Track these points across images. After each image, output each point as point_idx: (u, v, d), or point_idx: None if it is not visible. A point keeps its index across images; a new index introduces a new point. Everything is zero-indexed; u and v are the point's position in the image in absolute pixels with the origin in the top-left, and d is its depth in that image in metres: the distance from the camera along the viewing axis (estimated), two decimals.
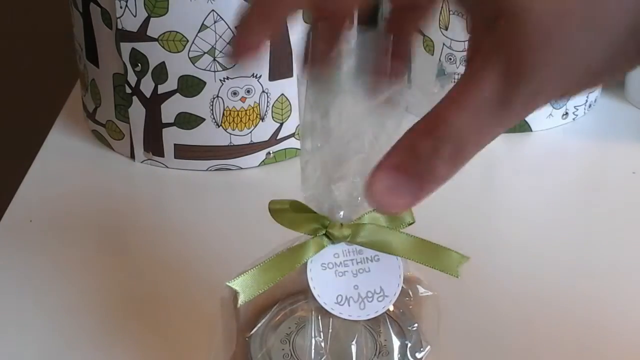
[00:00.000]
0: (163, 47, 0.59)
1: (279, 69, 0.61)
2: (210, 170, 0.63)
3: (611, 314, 0.49)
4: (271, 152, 0.64)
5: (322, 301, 0.36)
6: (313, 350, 0.36)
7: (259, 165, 0.64)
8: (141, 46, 0.59)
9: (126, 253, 0.54)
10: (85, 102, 0.68)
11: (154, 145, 0.63)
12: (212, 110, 0.61)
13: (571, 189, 0.63)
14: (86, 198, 0.61)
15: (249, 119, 0.62)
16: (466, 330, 0.47)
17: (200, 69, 0.59)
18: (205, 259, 0.54)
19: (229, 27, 0.58)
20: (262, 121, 0.62)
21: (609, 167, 0.66)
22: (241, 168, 0.64)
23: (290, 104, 0.63)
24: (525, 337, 0.48)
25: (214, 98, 0.60)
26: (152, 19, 0.58)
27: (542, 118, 0.69)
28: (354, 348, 0.36)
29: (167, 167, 0.64)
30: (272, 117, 0.63)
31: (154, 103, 0.61)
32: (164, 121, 0.62)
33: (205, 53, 0.59)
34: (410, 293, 0.38)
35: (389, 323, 0.37)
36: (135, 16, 0.58)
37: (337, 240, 0.36)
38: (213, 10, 0.57)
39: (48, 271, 0.52)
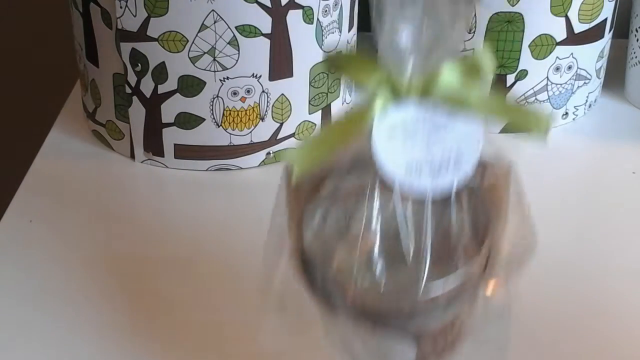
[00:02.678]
0: (163, 47, 0.59)
1: (279, 69, 0.61)
2: (210, 170, 0.63)
3: (610, 314, 0.49)
4: (271, 152, 0.64)
5: (389, 172, 0.31)
6: (377, 225, 0.32)
7: (259, 165, 0.64)
8: (141, 46, 0.59)
9: (126, 253, 0.54)
10: (85, 102, 0.68)
11: (154, 145, 0.63)
12: (212, 110, 0.61)
13: (571, 189, 0.63)
14: (86, 198, 0.61)
15: (249, 119, 0.62)
16: None
17: (200, 69, 0.59)
18: (205, 259, 0.54)
19: (229, 27, 0.58)
20: (262, 121, 0.62)
21: (609, 167, 0.66)
22: (241, 168, 0.64)
23: (290, 104, 0.63)
24: (518, 338, 0.48)
25: (214, 98, 0.60)
26: (152, 19, 0.58)
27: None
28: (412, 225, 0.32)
29: (167, 167, 0.64)
30: (272, 117, 0.63)
31: (154, 103, 0.61)
32: (164, 121, 0.62)
33: (205, 53, 0.59)
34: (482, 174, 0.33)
35: (452, 205, 0.32)
36: (135, 16, 0.58)
37: (405, 96, 0.31)
38: (213, 10, 0.57)
39: (48, 271, 0.52)
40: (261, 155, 0.64)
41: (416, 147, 0.31)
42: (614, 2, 0.69)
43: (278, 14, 0.59)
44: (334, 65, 0.32)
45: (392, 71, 0.31)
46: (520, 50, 0.66)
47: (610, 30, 0.70)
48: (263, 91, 0.61)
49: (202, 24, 0.58)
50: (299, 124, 0.64)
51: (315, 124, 0.66)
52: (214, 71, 0.60)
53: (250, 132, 0.62)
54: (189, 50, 0.59)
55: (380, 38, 0.31)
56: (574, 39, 0.67)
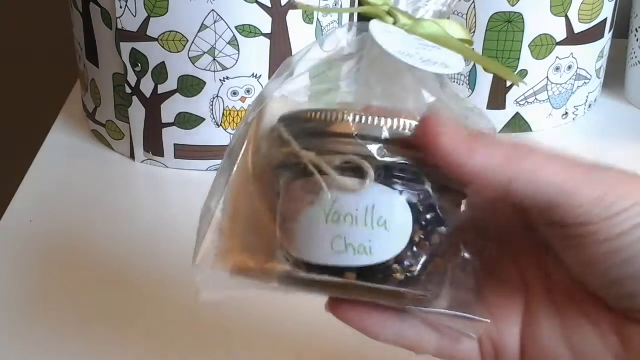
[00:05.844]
0: (163, 47, 0.59)
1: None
2: (210, 170, 0.63)
3: None
4: None
5: (385, 46, 0.32)
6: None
7: None
8: (141, 46, 0.59)
9: (126, 253, 0.54)
10: (85, 102, 0.68)
11: (154, 145, 0.63)
12: (212, 110, 0.61)
13: None
14: (86, 198, 0.61)
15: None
16: None
17: (200, 69, 0.59)
18: None
19: (229, 27, 0.58)
20: None
21: None
22: None
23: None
24: None
25: (214, 98, 0.60)
26: (152, 19, 0.58)
27: (542, 118, 0.69)
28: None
29: (167, 167, 0.64)
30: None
31: (154, 103, 0.61)
32: (164, 121, 0.62)
33: (205, 53, 0.59)
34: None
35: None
36: (135, 16, 0.58)
37: (399, 22, 0.34)
38: (213, 10, 0.57)
39: (48, 271, 0.52)
40: None
41: (407, 44, 0.33)
42: (614, 2, 0.69)
43: (278, 14, 0.59)
44: None
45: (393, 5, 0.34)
46: (520, 50, 0.66)
47: (610, 30, 0.70)
48: None
49: (202, 24, 0.58)
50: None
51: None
52: (214, 71, 0.60)
53: None
54: (189, 50, 0.59)
55: None
56: (574, 39, 0.67)
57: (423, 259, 0.31)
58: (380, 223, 0.30)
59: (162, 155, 0.63)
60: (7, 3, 1.00)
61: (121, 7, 0.58)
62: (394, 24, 0.34)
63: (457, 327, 0.33)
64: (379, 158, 0.30)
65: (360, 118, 0.30)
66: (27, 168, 0.63)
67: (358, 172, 0.30)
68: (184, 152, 0.63)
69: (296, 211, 0.31)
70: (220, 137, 0.62)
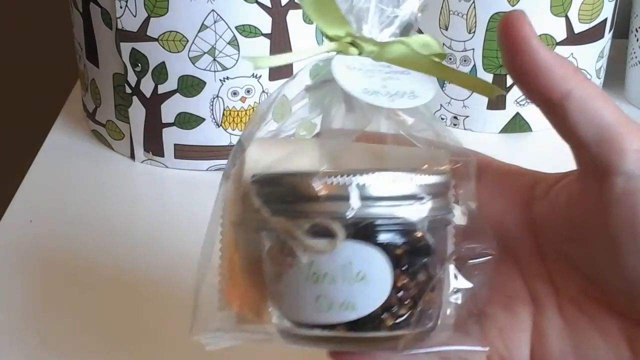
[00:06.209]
0: (163, 47, 0.59)
1: (279, 69, 0.61)
2: (210, 170, 0.63)
3: None
4: None
5: (348, 88, 0.32)
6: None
7: None
8: (141, 46, 0.59)
9: (126, 253, 0.54)
10: (85, 102, 0.68)
11: (154, 145, 0.63)
12: (212, 110, 0.61)
13: None
14: (86, 198, 0.61)
15: (249, 119, 0.62)
16: None
17: (200, 69, 0.59)
18: None
19: (229, 27, 0.58)
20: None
21: None
22: None
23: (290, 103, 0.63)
24: None
25: (214, 98, 0.60)
26: (152, 19, 0.58)
27: (542, 118, 0.69)
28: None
29: (167, 167, 0.64)
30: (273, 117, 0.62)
31: (154, 103, 0.61)
32: (164, 121, 0.62)
33: (205, 53, 0.59)
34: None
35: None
36: (135, 16, 0.58)
37: (364, 51, 0.33)
38: (213, 10, 0.57)
39: (47, 271, 0.52)
40: None
41: (373, 81, 0.33)
42: (614, 2, 0.69)
43: (278, 14, 0.59)
44: (308, 9, 0.34)
45: (353, 32, 0.34)
46: None
47: (610, 30, 0.70)
48: (263, 91, 0.61)
49: (202, 24, 0.58)
50: (300, 125, 0.64)
51: (316, 124, 0.65)
52: (214, 71, 0.60)
53: None
54: (189, 50, 0.59)
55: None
56: (574, 39, 0.67)
57: (411, 301, 0.31)
58: (359, 278, 0.30)
59: (162, 155, 0.63)
60: (7, 3, 1.00)
61: (121, 7, 0.58)
62: (360, 53, 0.34)
63: (461, 355, 0.33)
64: (347, 217, 0.30)
65: (329, 178, 0.30)
66: (27, 168, 0.63)
67: (331, 233, 0.30)
68: (184, 152, 0.63)
69: (279, 273, 0.32)
70: (220, 137, 0.62)
